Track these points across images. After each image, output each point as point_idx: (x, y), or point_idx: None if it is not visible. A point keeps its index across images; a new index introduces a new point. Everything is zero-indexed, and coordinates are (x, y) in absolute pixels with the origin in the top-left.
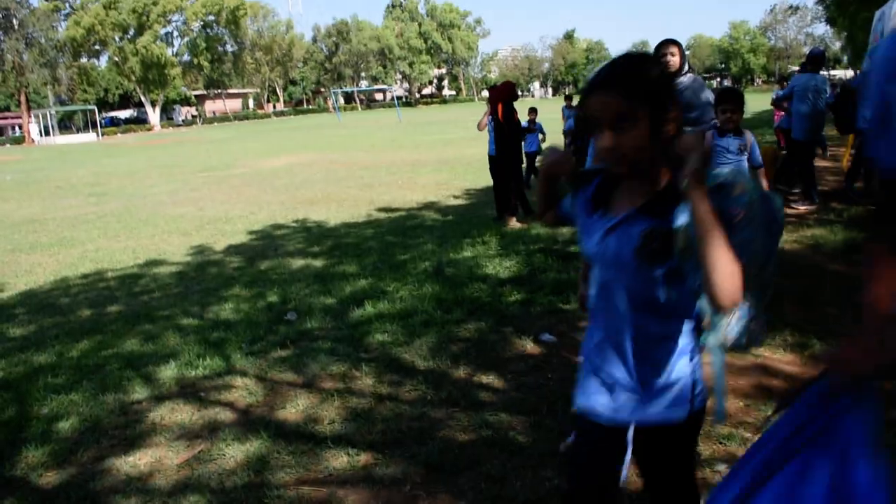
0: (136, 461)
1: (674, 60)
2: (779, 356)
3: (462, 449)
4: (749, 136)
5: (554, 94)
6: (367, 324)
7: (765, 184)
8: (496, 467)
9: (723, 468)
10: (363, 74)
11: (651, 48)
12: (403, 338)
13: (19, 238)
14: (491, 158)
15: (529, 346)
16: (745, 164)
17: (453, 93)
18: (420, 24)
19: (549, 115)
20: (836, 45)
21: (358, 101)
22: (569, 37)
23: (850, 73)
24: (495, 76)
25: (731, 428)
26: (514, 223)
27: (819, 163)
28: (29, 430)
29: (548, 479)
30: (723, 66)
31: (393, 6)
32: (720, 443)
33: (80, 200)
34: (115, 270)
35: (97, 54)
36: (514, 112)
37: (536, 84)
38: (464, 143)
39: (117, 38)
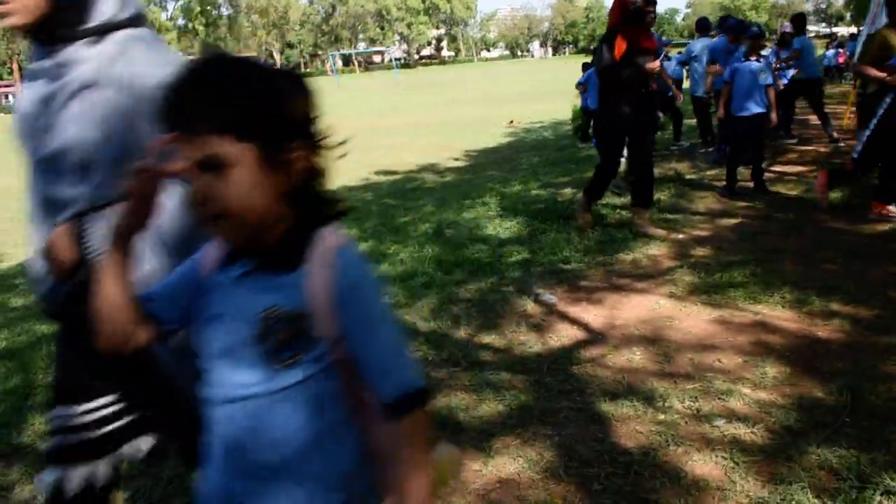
0: None
1: None
2: (777, 313)
3: (463, 408)
4: None
5: (554, 54)
6: None
7: None
8: (496, 426)
9: (721, 423)
10: (361, 37)
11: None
12: (404, 299)
13: (20, 207)
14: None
15: (530, 307)
16: None
17: (452, 54)
18: None
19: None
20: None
21: (356, 64)
22: None
23: (853, 30)
24: (494, 36)
25: (730, 384)
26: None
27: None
28: (34, 398)
29: (548, 437)
30: None
31: None
32: (719, 398)
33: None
34: None
35: None
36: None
37: (536, 44)
38: (465, 104)
39: None
